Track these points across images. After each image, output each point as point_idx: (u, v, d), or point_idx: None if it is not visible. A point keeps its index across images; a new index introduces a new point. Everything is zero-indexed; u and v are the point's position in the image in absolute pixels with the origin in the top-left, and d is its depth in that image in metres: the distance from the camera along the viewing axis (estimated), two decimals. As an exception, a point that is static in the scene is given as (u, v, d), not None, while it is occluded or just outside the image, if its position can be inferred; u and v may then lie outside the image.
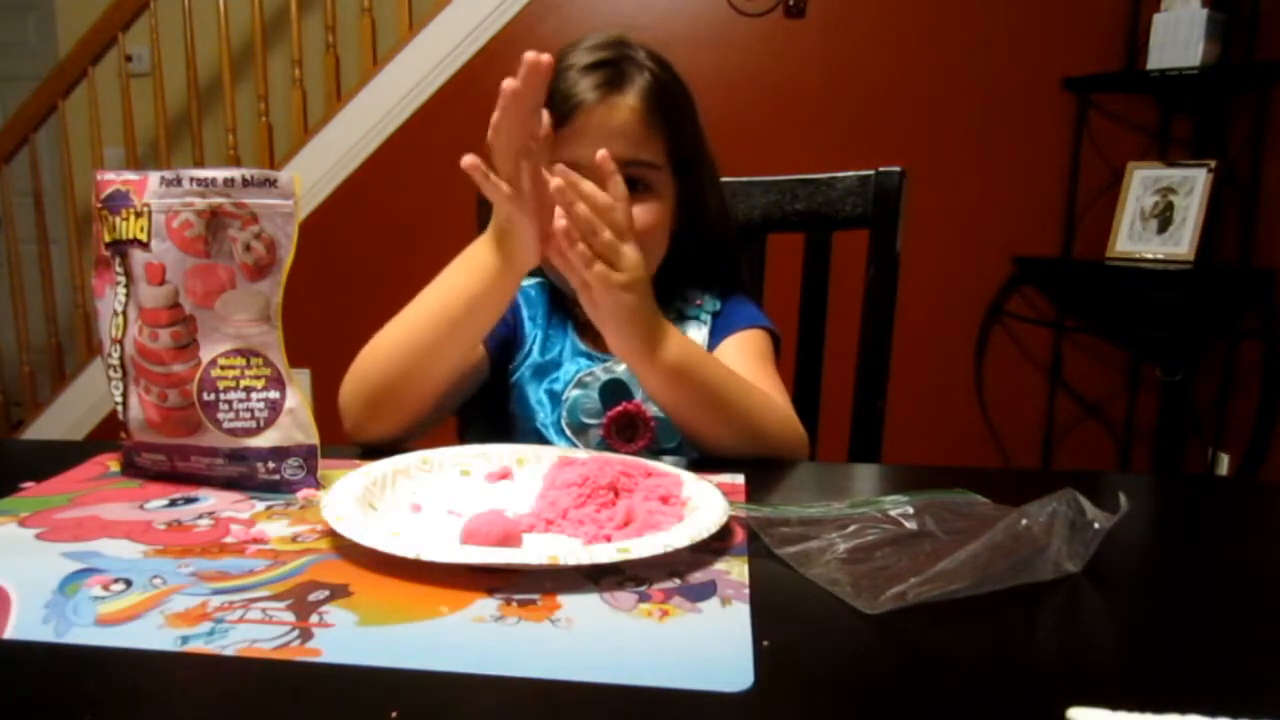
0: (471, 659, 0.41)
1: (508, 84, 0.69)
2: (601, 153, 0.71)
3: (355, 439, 0.81)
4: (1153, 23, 2.25)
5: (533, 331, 0.96)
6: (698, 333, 0.94)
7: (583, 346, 0.94)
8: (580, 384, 0.91)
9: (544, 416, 0.91)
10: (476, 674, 0.40)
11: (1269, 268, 2.15)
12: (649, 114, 0.87)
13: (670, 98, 0.90)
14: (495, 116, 0.70)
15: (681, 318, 0.96)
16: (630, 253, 0.72)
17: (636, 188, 0.87)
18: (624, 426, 0.89)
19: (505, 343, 0.94)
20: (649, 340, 0.75)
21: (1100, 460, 2.55)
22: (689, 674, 0.40)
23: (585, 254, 0.70)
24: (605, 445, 0.87)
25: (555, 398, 0.92)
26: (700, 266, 0.97)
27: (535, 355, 0.94)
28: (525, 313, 0.96)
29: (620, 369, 0.91)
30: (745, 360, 0.88)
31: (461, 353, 0.82)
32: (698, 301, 0.97)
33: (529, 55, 0.69)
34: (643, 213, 0.87)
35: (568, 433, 0.90)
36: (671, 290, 0.96)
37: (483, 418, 0.99)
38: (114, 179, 0.65)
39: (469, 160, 0.71)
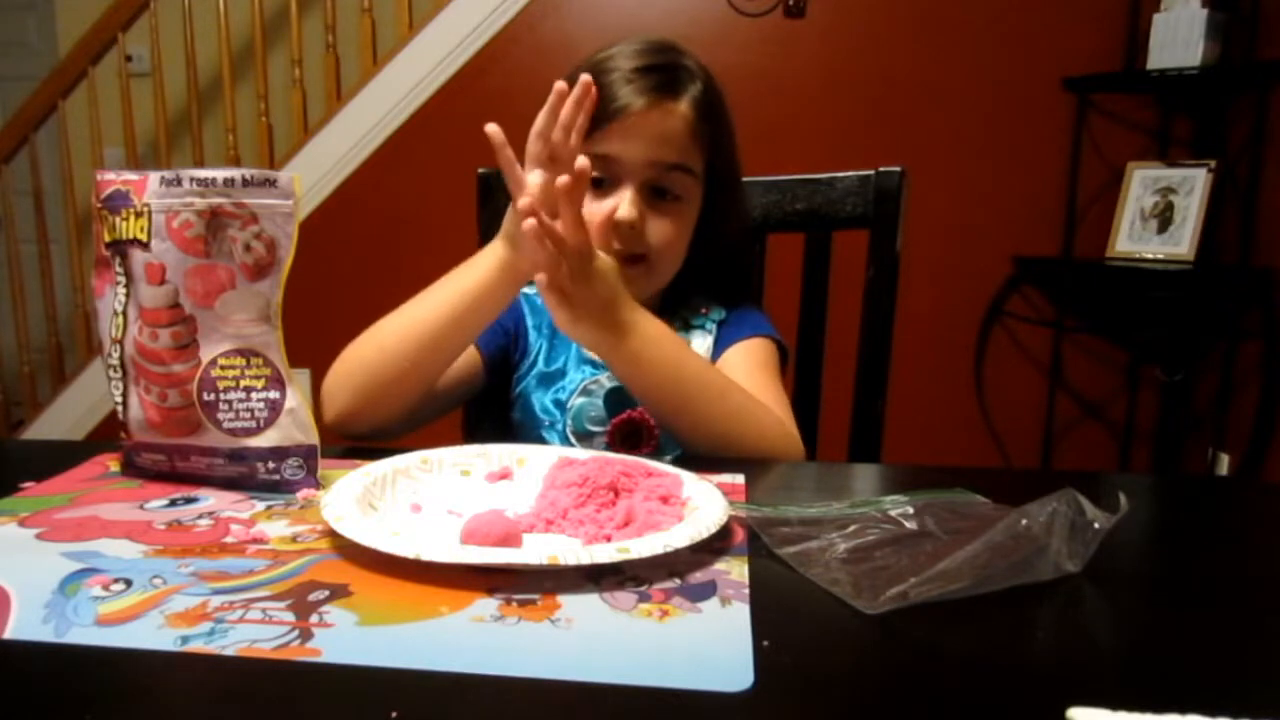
0: (471, 659, 0.41)
1: (560, 85, 0.72)
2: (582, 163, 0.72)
3: (339, 430, 0.80)
4: (1153, 23, 2.25)
5: (538, 341, 0.95)
6: (702, 341, 0.94)
7: (587, 355, 0.94)
8: (585, 392, 0.91)
9: (549, 425, 0.91)
10: (476, 674, 0.40)
11: (1269, 268, 2.15)
12: (697, 123, 0.87)
13: (716, 110, 0.90)
14: (544, 111, 0.73)
15: (687, 326, 0.95)
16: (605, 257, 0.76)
17: (666, 196, 0.88)
18: (628, 434, 0.89)
19: (504, 352, 0.94)
20: (614, 327, 0.75)
21: (1100, 460, 2.55)
22: (689, 674, 0.40)
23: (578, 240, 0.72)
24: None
25: (560, 406, 0.92)
26: (710, 277, 0.97)
27: (540, 365, 0.94)
28: (530, 322, 0.96)
29: None
30: (745, 368, 0.88)
31: (462, 346, 0.82)
32: (703, 310, 0.97)
33: (585, 77, 0.74)
34: (671, 221, 0.88)
35: (572, 440, 0.90)
36: (679, 299, 0.96)
37: (488, 427, 0.99)
38: (114, 179, 0.65)
39: (493, 128, 0.72)
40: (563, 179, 0.70)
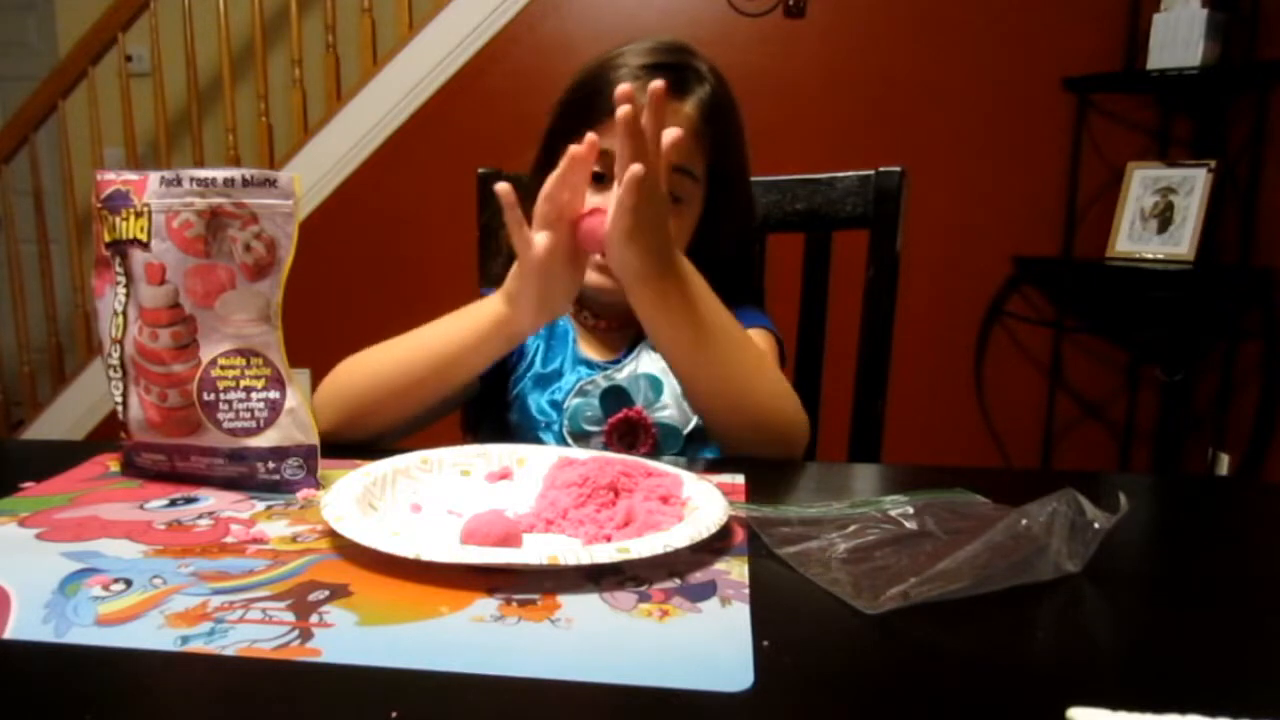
0: (471, 659, 0.41)
1: (574, 150, 0.72)
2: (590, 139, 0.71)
3: (326, 442, 0.81)
4: (1153, 23, 2.25)
5: (534, 342, 0.95)
6: None
7: (584, 355, 0.94)
8: (581, 392, 0.91)
9: (545, 426, 0.91)
10: (476, 674, 0.40)
11: (1269, 268, 2.15)
12: (701, 126, 0.87)
13: (724, 115, 0.89)
14: (555, 175, 0.72)
15: None
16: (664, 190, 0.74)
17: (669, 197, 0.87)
18: (625, 433, 0.89)
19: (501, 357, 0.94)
20: (660, 256, 0.74)
21: (1100, 460, 2.55)
22: (689, 674, 0.40)
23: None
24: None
25: (557, 406, 0.92)
26: (710, 280, 0.97)
27: (537, 366, 0.94)
28: None
29: (620, 376, 0.91)
30: None
31: (445, 390, 0.82)
32: None
33: (591, 137, 0.72)
34: (671, 222, 0.87)
35: (569, 441, 0.90)
36: None
37: (487, 428, 0.99)
38: (114, 179, 0.65)
39: (504, 187, 0.72)
40: (658, 83, 0.69)
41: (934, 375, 2.53)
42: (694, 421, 0.92)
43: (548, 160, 0.92)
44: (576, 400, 0.91)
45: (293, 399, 0.66)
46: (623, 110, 0.67)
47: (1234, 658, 0.43)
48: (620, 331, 0.95)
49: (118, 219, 0.65)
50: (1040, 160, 2.45)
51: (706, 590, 0.49)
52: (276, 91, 2.76)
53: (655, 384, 0.91)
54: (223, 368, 0.65)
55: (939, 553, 0.49)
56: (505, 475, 0.68)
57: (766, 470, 0.73)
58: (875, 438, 1.04)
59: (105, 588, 0.48)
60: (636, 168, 0.68)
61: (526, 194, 0.97)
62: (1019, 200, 2.48)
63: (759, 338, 0.92)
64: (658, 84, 0.69)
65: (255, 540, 0.56)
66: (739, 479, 0.69)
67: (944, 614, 0.46)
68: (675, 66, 0.87)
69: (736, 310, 0.96)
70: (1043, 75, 2.40)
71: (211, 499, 0.64)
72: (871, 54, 2.46)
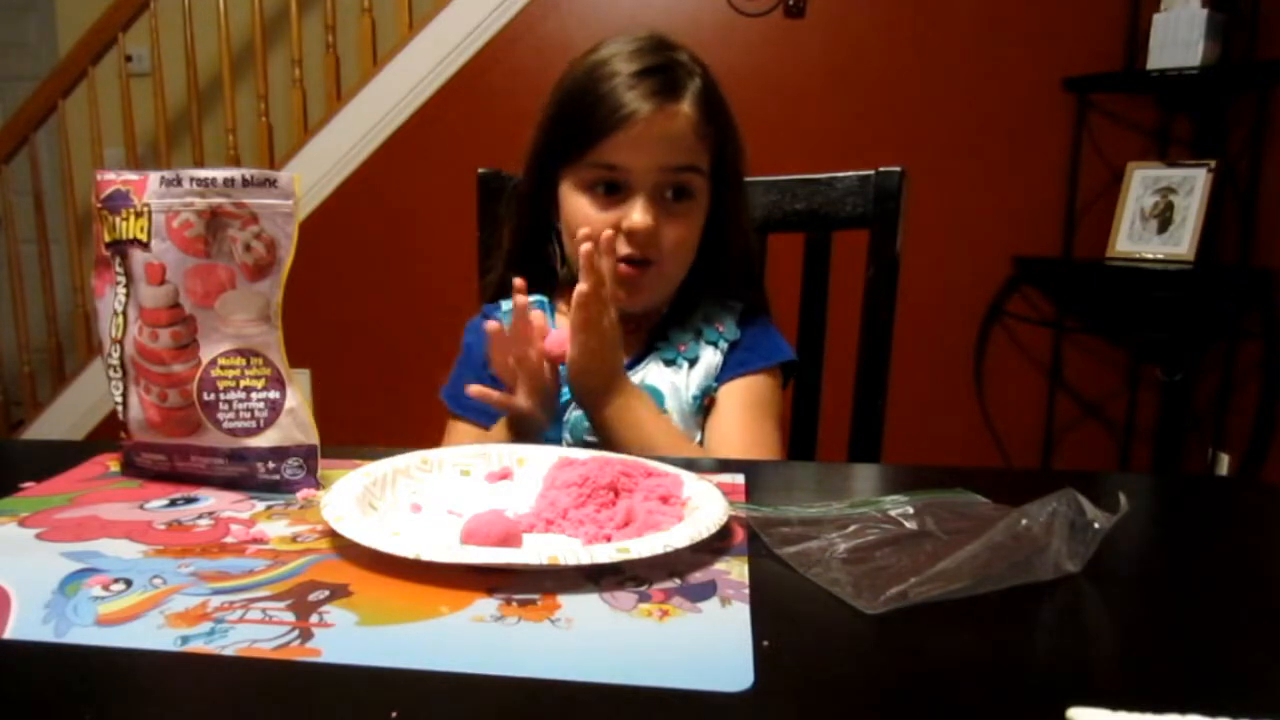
0: (471, 659, 0.41)
1: (520, 300, 0.79)
2: (607, 234, 0.80)
3: None
4: (1153, 23, 2.25)
5: None
6: (712, 358, 0.94)
7: None
8: None
9: (545, 436, 0.91)
10: (476, 674, 0.40)
11: (1269, 268, 2.15)
12: (701, 121, 0.87)
13: (717, 103, 0.90)
14: (508, 338, 0.80)
15: (699, 336, 0.95)
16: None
17: (681, 196, 0.88)
18: None
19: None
20: (617, 373, 0.82)
21: (1100, 460, 2.55)
22: (689, 674, 0.40)
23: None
24: None
25: (557, 417, 0.91)
26: (723, 281, 0.97)
27: None
28: None
29: None
30: (736, 409, 0.91)
31: None
32: (719, 326, 0.96)
33: (521, 297, 0.79)
34: (682, 222, 0.88)
35: None
36: (694, 307, 0.96)
37: None
38: (114, 179, 0.65)
39: (476, 390, 0.80)
40: (609, 233, 0.79)
41: (934, 375, 2.53)
42: (697, 436, 0.92)
43: (541, 175, 0.92)
44: (576, 412, 0.91)
45: (293, 399, 0.66)
46: (586, 248, 0.76)
47: (1234, 658, 0.43)
48: (625, 338, 0.95)
49: (118, 219, 0.65)
50: (1040, 160, 2.45)
51: (706, 590, 0.49)
52: (276, 91, 2.76)
53: (657, 396, 0.91)
54: (223, 368, 0.65)
55: (939, 553, 0.49)
56: (505, 475, 0.68)
57: (766, 470, 0.73)
58: (875, 438, 1.04)
59: (105, 588, 0.48)
60: (581, 287, 0.76)
61: (517, 204, 0.97)
62: (1019, 200, 2.47)
63: (758, 386, 0.93)
64: (609, 234, 0.79)
65: (255, 540, 0.56)
66: (739, 479, 0.69)
67: (944, 614, 0.46)
68: (665, 67, 0.87)
69: (751, 332, 0.96)
70: (1043, 75, 2.40)
71: (211, 499, 0.64)
72: (871, 54, 2.46)
